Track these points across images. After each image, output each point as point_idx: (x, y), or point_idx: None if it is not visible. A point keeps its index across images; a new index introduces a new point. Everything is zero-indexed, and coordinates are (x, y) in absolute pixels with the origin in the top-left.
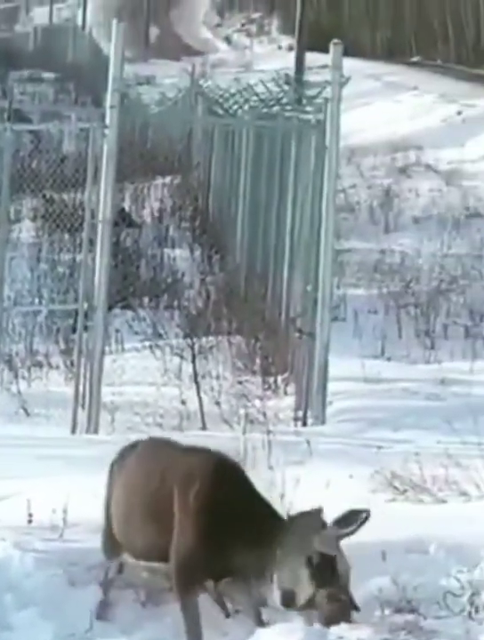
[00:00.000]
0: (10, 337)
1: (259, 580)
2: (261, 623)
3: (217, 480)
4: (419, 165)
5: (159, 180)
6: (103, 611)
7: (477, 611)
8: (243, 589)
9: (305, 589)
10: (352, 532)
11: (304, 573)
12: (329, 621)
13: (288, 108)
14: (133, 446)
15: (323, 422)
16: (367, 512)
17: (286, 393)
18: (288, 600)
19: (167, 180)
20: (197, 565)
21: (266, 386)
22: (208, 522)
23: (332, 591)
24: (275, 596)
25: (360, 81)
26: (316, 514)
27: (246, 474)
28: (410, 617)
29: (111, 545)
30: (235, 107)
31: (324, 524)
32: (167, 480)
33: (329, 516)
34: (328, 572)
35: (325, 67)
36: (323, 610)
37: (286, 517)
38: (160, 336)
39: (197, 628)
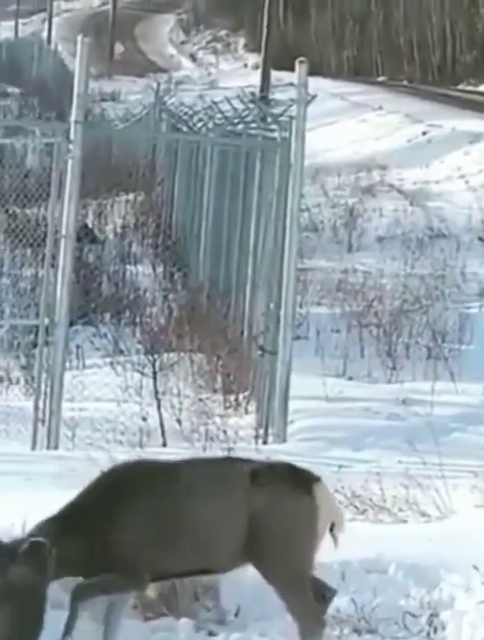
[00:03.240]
0: None
1: None
2: None
3: None
4: (383, 185)
5: (123, 197)
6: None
7: (435, 631)
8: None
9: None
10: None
11: None
12: None
13: (253, 125)
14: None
15: (284, 440)
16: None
17: (247, 411)
18: None
19: (131, 196)
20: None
21: (227, 403)
22: None
23: None
24: None
25: (326, 100)
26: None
27: None
28: (368, 637)
29: None
30: (199, 124)
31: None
32: None
33: None
34: None
35: (290, 85)
36: None
37: None
38: (121, 352)
39: None
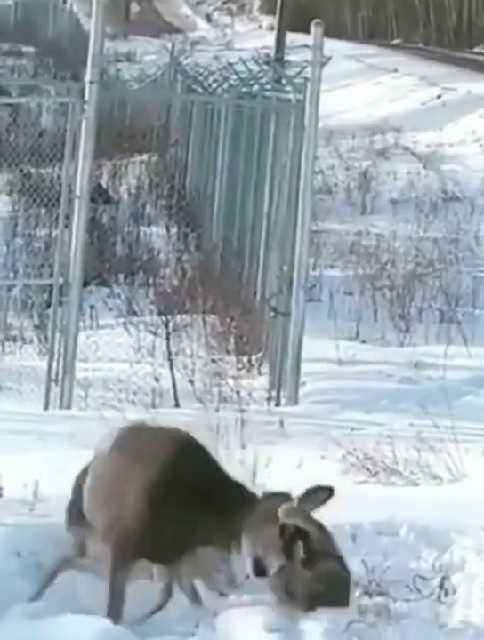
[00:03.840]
0: None
1: (226, 552)
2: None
3: (176, 456)
4: (397, 148)
5: (137, 158)
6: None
7: (446, 594)
8: (207, 566)
9: (275, 558)
10: (314, 508)
11: (275, 542)
12: (308, 605)
13: (268, 87)
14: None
15: (296, 403)
16: (332, 489)
17: (259, 372)
18: (259, 568)
19: (145, 157)
20: (138, 542)
21: (240, 365)
22: (161, 497)
23: (305, 571)
24: (247, 565)
25: (341, 62)
26: (284, 494)
27: (210, 453)
28: (379, 599)
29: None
30: (214, 85)
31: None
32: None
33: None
34: (300, 546)
35: (305, 47)
36: (298, 591)
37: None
38: (135, 313)
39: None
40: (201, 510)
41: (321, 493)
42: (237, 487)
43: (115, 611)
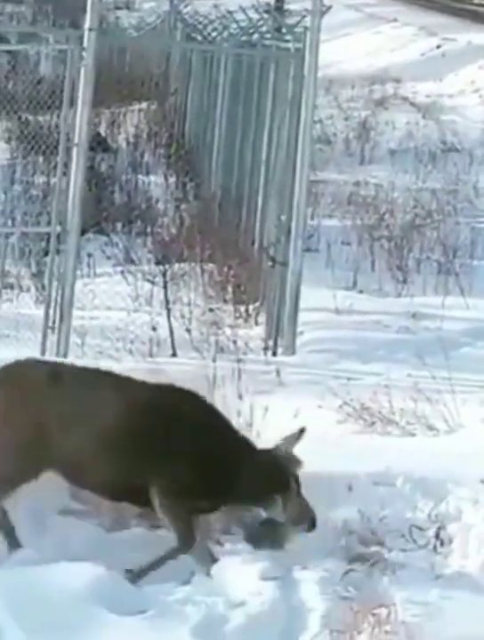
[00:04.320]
0: None
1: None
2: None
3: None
4: (397, 98)
5: (136, 106)
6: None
7: (442, 544)
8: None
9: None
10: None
11: (294, 487)
12: (311, 525)
13: (268, 36)
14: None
15: (293, 352)
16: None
17: (257, 322)
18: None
19: (144, 105)
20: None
21: (237, 314)
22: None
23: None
24: (278, 514)
25: (341, 11)
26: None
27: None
28: (375, 549)
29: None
30: (214, 33)
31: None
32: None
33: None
34: (297, 478)
35: None
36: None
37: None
38: (132, 262)
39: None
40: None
41: (298, 435)
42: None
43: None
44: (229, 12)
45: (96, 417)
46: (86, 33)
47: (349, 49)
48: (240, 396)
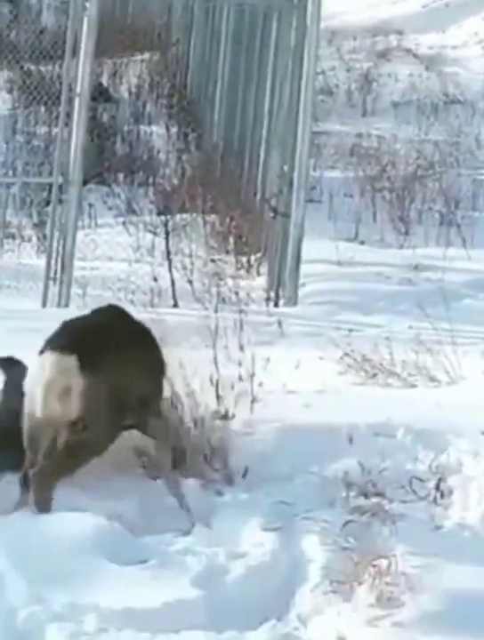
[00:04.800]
0: None
1: None
2: None
3: None
4: (399, 50)
5: (138, 56)
6: None
7: (442, 496)
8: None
9: None
10: None
11: None
12: None
13: None
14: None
15: (295, 304)
16: None
17: (258, 273)
18: None
19: (146, 56)
20: None
21: (239, 266)
22: None
23: None
24: None
25: None
26: None
27: None
28: (376, 500)
29: None
30: None
31: None
32: None
33: (299, 396)
34: None
35: None
36: None
37: None
38: (134, 212)
39: None
40: None
41: None
42: None
43: None
44: None
45: None
46: None
47: (351, 0)
48: (242, 347)
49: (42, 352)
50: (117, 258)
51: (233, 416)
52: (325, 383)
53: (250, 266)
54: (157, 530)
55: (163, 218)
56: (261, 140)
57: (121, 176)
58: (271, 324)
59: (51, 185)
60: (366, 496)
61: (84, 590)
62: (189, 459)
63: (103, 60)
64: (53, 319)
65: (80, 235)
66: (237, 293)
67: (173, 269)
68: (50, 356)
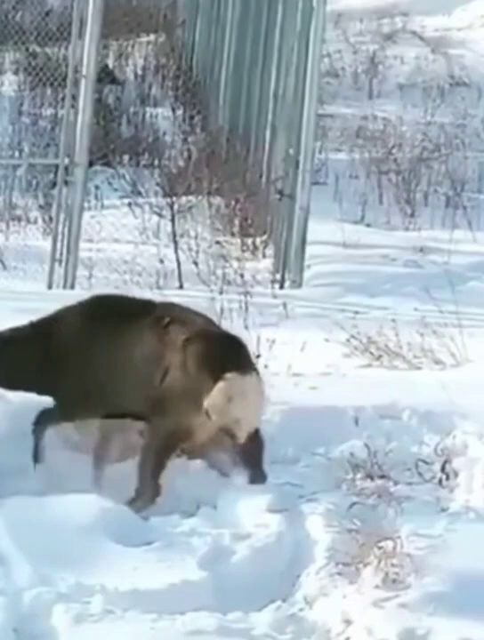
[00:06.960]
0: None
1: None
2: None
3: None
4: (405, 32)
5: (144, 38)
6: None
7: (448, 478)
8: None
9: None
10: None
11: None
12: None
13: None
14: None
15: (300, 286)
16: None
17: (264, 255)
18: None
19: (152, 37)
20: None
21: (244, 247)
22: None
23: None
24: None
25: None
26: None
27: None
28: (381, 482)
29: None
30: None
31: None
32: None
33: (304, 378)
34: None
35: None
36: None
37: None
38: (140, 194)
39: None
40: None
41: None
42: None
43: None
44: None
45: None
46: None
47: None
48: (247, 329)
49: (242, 372)
50: (123, 240)
51: None
52: (330, 365)
53: (255, 248)
54: (163, 511)
55: (168, 199)
56: (266, 123)
57: (127, 158)
58: (276, 306)
59: (57, 166)
60: (371, 478)
61: (91, 572)
62: None
63: (109, 42)
64: (59, 301)
65: (86, 216)
66: (242, 275)
67: (179, 251)
68: (256, 380)
